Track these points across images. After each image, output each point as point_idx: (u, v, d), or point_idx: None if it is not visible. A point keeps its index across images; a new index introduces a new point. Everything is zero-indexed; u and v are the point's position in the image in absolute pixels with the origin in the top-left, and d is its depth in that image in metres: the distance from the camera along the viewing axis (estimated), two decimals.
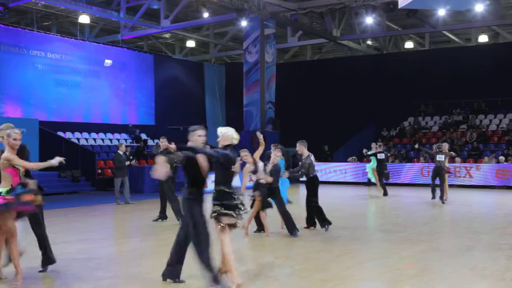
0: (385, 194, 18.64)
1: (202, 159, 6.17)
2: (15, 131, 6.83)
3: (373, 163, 19.05)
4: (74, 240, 10.23)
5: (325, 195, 19.01)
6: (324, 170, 25.06)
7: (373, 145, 19.66)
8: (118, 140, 26.51)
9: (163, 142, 12.23)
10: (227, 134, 6.42)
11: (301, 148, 11.00)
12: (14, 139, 6.69)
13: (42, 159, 22.10)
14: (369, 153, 19.06)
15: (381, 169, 18.93)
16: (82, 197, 19.02)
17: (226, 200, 6.18)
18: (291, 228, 10.16)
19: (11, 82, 24.03)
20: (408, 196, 19.01)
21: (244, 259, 8.36)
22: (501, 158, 22.66)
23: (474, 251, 8.63)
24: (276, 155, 10.65)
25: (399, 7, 8.32)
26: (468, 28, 28.53)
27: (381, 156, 19.03)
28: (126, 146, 22.56)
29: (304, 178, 11.54)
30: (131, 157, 17.16)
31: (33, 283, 6.82)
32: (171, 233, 10.70)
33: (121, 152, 16.66)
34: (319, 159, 26.48)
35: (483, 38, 30.63)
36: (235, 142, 6.46)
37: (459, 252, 8.43)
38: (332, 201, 17.18)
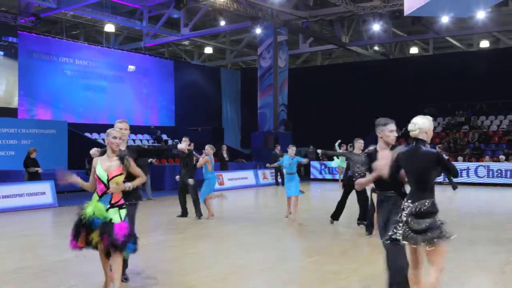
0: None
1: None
2: (116, 129, 5.74)
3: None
4: None
5: (335, 193, 18.95)
6: (333, 168, 24.95)
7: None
8: (141, 140, 26.64)
9: (185, 142, 12.14)
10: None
11: (358, 145, 10.60)
12: (114, 137, 5.49)
13: (71, 158, 22.47)
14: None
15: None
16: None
17: None
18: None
19: (42, 87, 24.25)
20: None
21: (255, 251, 8.35)
22: (502, 157, 22.41)
23: (476, 245, 8.53)
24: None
25: (405, 14, 8.25)
26: (470, 34, 28.30)
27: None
28: (147, 146, 22.67)
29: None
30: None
31: (55, 272, 6.85)
32: (191, 227, 10.74)
33: None
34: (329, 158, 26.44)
35: (484, 44, 30.34)
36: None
37: (461, 246, 8.33)
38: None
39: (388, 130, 5.15)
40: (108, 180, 5.42)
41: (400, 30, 29.06)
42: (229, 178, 21.00)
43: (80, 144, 22.54)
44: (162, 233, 10.27)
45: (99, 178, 5.46)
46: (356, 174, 5.04)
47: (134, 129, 27.24)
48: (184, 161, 12.27)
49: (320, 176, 25.34)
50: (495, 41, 30.39)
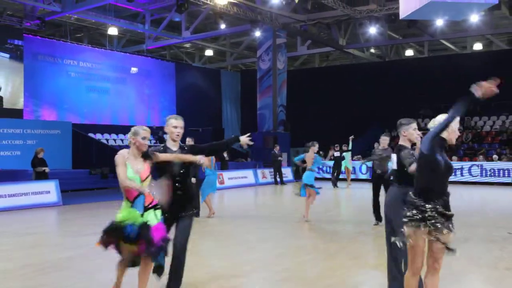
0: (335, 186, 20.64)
1: None
2: (144, 128, 5.13)
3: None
4: None
5: (330, 191, 18.98)
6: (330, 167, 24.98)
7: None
8: None
9: (189, 142, 12.05)
10: None
11: (384, 142, 10.13)
12: (144, 138, 5.03)
13: (75, 157, 22.46)
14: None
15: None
16: (110, 192, 19.10)
17: None
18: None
19: (47, 89, 24.26)
20: None
21: (254, 249, 8.36)
22: (495, 157, 22.43)
23: (470, 242, 8.54)
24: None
25: (400, 18, 8.26)
26: (464, 37, 28.35)
27: (337, 154, 21.68)
28: (149, 146, 22.65)
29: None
30: None
31: (60, 269, 6.85)
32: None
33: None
34: (326, 158, 26.45)
35: (477, 46, 30.38)
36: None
37: (456, 244, 8.32)
38: (338, 196, 17.12)
39: (412, 129, 5.29)
40: (141, 182, 4.86)
41: (395, 33, 29.08)
42: (229, 177, 21.01)
43: (84, 144, 22.59)
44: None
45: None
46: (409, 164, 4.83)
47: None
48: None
49: (318, 176, 25.30)
50: (488, 43, 30.41)
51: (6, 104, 22.02)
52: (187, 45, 32.44)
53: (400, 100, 29.24)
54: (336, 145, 22.11)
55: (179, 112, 30.24)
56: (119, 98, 27.23)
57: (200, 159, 5.25)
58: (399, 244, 4.54)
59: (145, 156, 5.01)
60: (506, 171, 21.29)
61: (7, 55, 22.10)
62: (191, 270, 6.69)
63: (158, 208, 4.93)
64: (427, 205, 4.23)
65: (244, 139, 5.54)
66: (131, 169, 4.85)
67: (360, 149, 25.86)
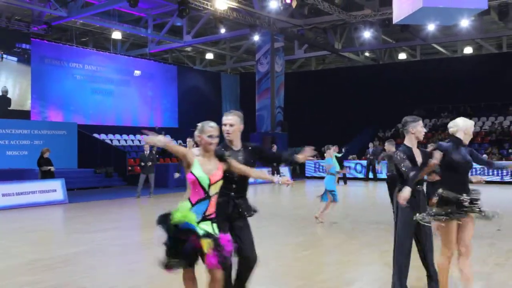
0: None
1: None
2: (211, 124, 4.37)
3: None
4: (108, 228, 10.29)
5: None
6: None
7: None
8: None
9: (190, 142, 12.01)
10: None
11: (390, 147, 9.99)
12: (211, 136, 4.27)
13: (80, 157, 22.47)
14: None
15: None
16: (114, 191, 19.11)
17: None
18: None
19: (54, 91, 24.23)
20: None
21: (256, 246, 8.36)
22: (484, 156, 22.46)
23: None
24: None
25: (394, 22, 8.27)
26: (455, 41, 28.37)
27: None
28: (154, 147, 22.68)
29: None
30: (151, 157, 16.43)
31: (66, 264, 6.85)
32: None
33: (146, 152, 16.46)
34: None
35: (468, 50, 30.42)
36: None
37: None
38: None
39: (420, 126, 5.00)
40: (210, 185, 4.13)
41: (389, 37, 29.09)
42: None
43: (89, 144, 22.59)
44: None
45: (199, 182, 4.09)
46: (405, 170, 4.83)
47: (140, 130, 27.22)
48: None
49: (315, 174, 25.34)
50: (478, 47, 30.45)
51: (14, 106, 22.00)
52: (188, 49, 32.42)
53: (393, 102, 29.24)
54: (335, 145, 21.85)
55: (181, 113, 30.27)
56: (122, 100, 27.21)
57: (278, 180, 4.73)
58: (423, 222, 4.78)
59: (220, 158, 4.29)
60: (495, 170, 21.30)
61: (15, 59, 22.08)
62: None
63: (215, 222, 4.23)
64: (461, 197, 4.68)
65: (303, 158, 4.86)
66: (199, 167, 4.13)
67: (356, 149, 25.88)
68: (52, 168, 15.33)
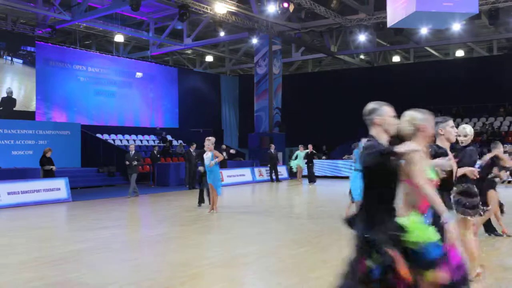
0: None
1: None
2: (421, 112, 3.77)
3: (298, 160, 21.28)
4: (110, 225, 10.28)
5: (323, 188, 18.99)
6: (321, 165, 25.11)
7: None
8: (148, 141, 26.60)
9: (209, 141, 11.65)
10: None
11: None
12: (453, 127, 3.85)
13: (84, 156, 22.44)
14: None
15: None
16: (117, 190, 19.09)
17: None
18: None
19: (58, 92, 24.21)
20: None
21: (251, 242, 8.37)
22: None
23: None
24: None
25: (388, 26, 8.28)
26: (447, 44, 28.43)
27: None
28: (155, 146, 22.64)
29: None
30: (136, 157, 15.88)
31: (69, 261, 6.84)
32: (192, 221, 10.73)
33: (131, 152, 15.86)
34: (318, 157, 26.46)
35: (460, 53, 30.47)
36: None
37: None
38: (329, 193, 17.12)
39: (449, 126, 4.58)
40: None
41: (383, 40, 29.11)
42: (228, 175, 20.99)
43: (92, 144, 22.58)
44: (167, 225, 10.27)
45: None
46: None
47: (141, 131, 27.24)
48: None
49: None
50: (469, 50, 30.49)
51: (19, 107, 21.97)
52: (189, 52, 32.42)
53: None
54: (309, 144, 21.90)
55: (182, 114, 30.26)
56: (125, 101, 27.18)
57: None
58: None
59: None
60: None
61: (21, 61, 22.05)
62: (193, 262, 6.71)
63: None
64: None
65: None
66: (431, 169, 3.45)
67: (350, 147, 25.84)
68: (54, 168, 15.31)
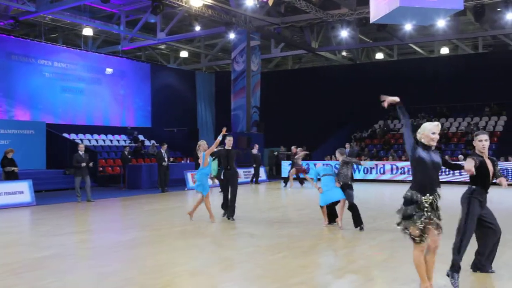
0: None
1: None
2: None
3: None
4: (77, 231, 10.15)
5: (305, 191, 19.07)
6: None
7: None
8: (118, 141, 26.35)
9: (230, 141, 11.12)
10: None
11: (339, 156, 9.93)
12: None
13: (49, 157, 22.10)
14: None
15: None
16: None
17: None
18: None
19: (21, 89, 23.81)
20: (379, 190, 19.11)
21: (228, 247, 8.36)
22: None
23: None
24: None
25: (371, 22, 8.34)
26: (431, 41, 28.86)
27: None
28: (125, 147, 22.44)
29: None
30: (87, 158, 15.41)
31: (33, 269, 6.74)
32: (165, 225, 10.67)
33: (81, 153, 15.31)
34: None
35: (444, 50, 30.96)
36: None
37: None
38: (310, 195, 17.21)
39: (477, 140, 5.85)
40: None
41: (366, 37, 29.41)
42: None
43: (58, 144, 22.26)
44: (138, 230, 10.19)
45: None
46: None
47: (111, 130, 26.97)
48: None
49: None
50: (454, 47, 31.01)
51: None
52: (162, 47, 32.25)
53: (370, 102, 29.50)
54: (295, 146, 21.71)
55: (155, 112, 30.05)
56: (94, 99, 26.88)
57: None
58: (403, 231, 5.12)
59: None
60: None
61: None
62: (166, 268, 6.67)
63: None
64: (422, 197, 5.01)
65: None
66: None
67: (331, 149, 26.01)
68: (16, 169, 15.05)
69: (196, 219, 11.23)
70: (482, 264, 6.17)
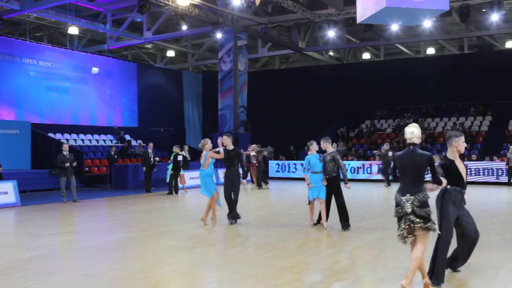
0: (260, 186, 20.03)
1: None
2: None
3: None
4: (63, 231, 10.06)
5: (292, 191, 19.11)
6: (289, 166, 25.30)
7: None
8: (104, 141, 26.18)
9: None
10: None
11: (325, 145, 9.93)
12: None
13: (34, 158, 21.90)
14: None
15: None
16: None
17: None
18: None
19: (5, 88, 23.56)
20: (366, 190, 19.19)
21: (215, 247, 8.35)
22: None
23: None
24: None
25: (357, 22, 8.39)
26: (418, 41, 29.08)
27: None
28: (111, 147, 22.32)
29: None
30: (72, 158, 15.24)
31: (18, 270, 6.67)
32: (152, 225, 10.62)
33: (65, 153, 15.14)
34: (286, 157, 26.64)
35: (430, 51, 31.20)
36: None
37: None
38: (298, 196, 17.25)
39: (461, 141, 5.82)
40: None
41: (353, 37, 29.54)
42: (191, 177, 20.86)
43: (43, 144, 22.07)
44: (125, 231, 10.13)
45: None
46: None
47: (97, 130, 26.80)
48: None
49: (277, 175, 25.47)
50: (440, 48, 31.27)
51: None
52: (149, 46, 32.11)
53: (357, 102, 29.75)
54: (258, 144, 21.70)
55: (141, 112, 29.90)
56: (79, 98, 26.67)
57: None
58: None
59: None
60: (489, 170, 21.71)
61: None
62: (153, 269, 6.64)
63: None
64: (402, 198, 5.22)
65: None
66: None
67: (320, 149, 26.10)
68: (0, 169, 14.89)
69: (187, 220, 11.20)
70: (454, 265, 6.19)
